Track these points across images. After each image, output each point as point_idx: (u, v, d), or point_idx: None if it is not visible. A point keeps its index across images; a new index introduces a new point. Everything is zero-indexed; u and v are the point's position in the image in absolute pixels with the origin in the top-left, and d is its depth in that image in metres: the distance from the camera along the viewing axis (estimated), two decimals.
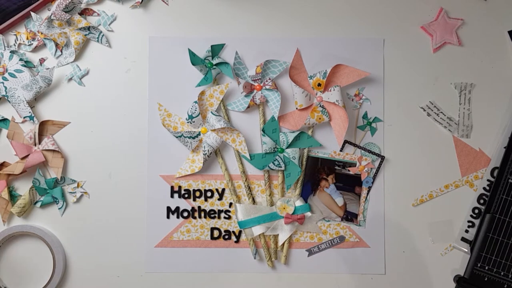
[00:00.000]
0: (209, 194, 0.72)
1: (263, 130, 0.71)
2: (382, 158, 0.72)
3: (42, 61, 0.71)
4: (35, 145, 0.70)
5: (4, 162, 0.71)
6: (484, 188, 0.72)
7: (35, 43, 0.71)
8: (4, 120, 0.71)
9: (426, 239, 0.72)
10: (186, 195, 0.72)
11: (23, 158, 0.70)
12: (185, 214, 0.72)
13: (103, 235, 0.71)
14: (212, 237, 0.72)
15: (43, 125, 0.71)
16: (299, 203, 0.71)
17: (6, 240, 0.70)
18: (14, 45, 0.71)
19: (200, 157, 0.71)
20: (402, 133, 0.73)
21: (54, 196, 0.70)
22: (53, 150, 0.70)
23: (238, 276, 0.71)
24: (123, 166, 0.71)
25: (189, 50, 0.70)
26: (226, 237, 0.72)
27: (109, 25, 0.72)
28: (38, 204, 0.70)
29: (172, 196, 0.72)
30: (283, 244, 0.71)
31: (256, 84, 0.71)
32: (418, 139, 0.73)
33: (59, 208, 0.71)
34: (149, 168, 0.71)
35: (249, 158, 0.71)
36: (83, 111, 0.72)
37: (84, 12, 0.71)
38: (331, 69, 0.70)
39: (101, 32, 0.71)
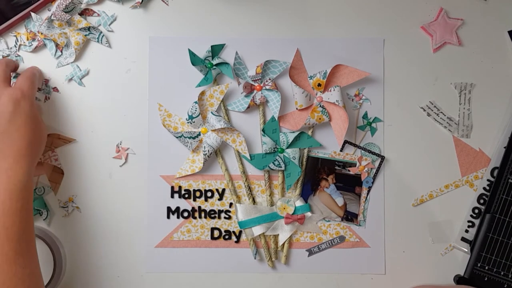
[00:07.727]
0: (209, 194, 0.72)
1: (263, 130, 0.71)
2: (382, 158, 0.72)
3: None
4: None
5: None
6: (484, 188, 0.72)
7: (35, 44, 0.70)
8: None
9: (426, 239, 0.72)
10: (186, 195, 0.72)
11: None
12: (185, 214, 0.72)
13: (103, 235, 0.71)
14: (213, 237, 0.72)
15: (49, 137, 0.70)
16: (299, 203, 0.71)
17: None
18: (15, 46, 0.71)
19: (200, 157, 0.71)
20: (402, 133, 0.73)
21: (36, 208, 0.69)
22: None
23: (238, 276, 0.72)
24: (123, 166, 0.71)
25: (189, 50, 0.70)
26: (227, 237, 0.72)
27: (109, 25, 0.72)
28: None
29: (172, 196, 0.72)
30: (283, 244, 0.71)
31: (256, 84, 0.71)
32: (418, 139, 0.73)
33: (43, 219, 0.69)
34: (149, 168, 0.71)
35: (249, 158, 0.71)
36: (83, 111, 0.72)
37: (84, 13, 0.71)
38: (331, 69, 0.70)
39: (101, 32, 0.71)
